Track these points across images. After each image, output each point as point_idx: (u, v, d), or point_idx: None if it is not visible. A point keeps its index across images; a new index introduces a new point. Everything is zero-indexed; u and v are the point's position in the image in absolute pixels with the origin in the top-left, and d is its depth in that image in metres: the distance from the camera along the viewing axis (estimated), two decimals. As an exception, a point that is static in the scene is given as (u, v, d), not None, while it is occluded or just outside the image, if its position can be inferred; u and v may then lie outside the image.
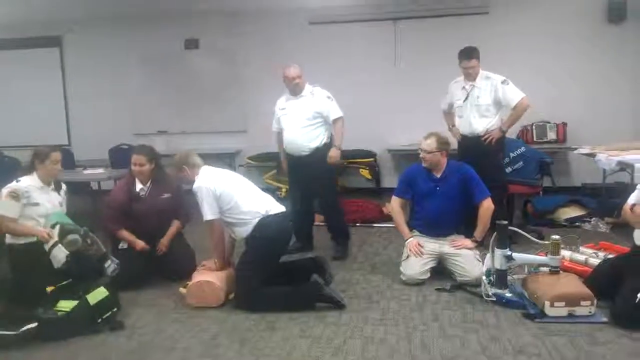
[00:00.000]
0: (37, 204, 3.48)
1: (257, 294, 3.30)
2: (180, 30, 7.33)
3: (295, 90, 4.29)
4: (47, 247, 3.31)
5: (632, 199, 3.20)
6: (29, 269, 3.39)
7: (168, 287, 3.69)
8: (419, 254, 3.71)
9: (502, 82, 4.40)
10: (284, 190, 6.84)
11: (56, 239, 3.34)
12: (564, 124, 6.41)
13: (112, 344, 2.95)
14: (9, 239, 3.50)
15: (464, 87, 4.53)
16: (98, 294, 3.17)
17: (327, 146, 4.34)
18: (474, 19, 6.58)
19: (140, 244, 3.81)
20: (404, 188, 3.95)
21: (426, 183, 3.84)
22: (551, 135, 6.39)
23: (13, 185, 3.46)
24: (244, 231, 3.39)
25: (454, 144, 4.40)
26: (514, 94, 4.38)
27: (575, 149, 5.60)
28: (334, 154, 4.30)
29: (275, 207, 3.48)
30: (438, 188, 3.81)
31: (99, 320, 3.11)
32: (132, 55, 7.47)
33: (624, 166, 4.55)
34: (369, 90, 6.79)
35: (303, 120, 4.27)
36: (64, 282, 3.21)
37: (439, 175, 3.83)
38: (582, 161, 5.87)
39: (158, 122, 7.50)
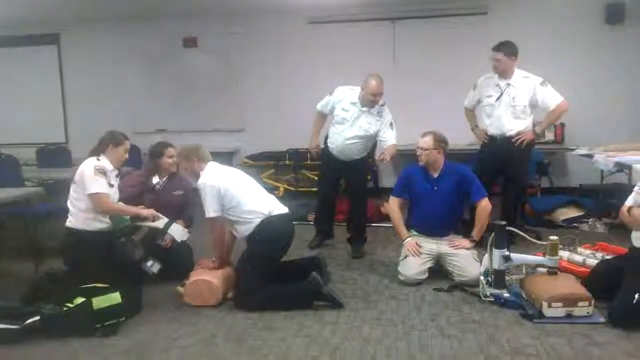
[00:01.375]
0: (112, 186, 3.46)
1: (255, 293, 3.29)
2: (178, 28, 7.32)
3: (368, 104, 4.17)
4: (155, 225, 3.56)
5: (629, 201, 3.18)
6: (92, 259, 3.33)
7: (165, 286, 3.66)
8: (417, 254, 3.71)
9: (541, 84, 4.23)
10: (281, 189, 6.85)
11: (165, 219, 3.57)
12: (562, 125, 6.39)
13: (111, 343, 2.94)
14: (78, 224, 3.39)
15: (497, 85, 4.30)
16: (108, 300, 3.05)
17: (370, 154, 4.54)
18: (473, 19, 6.57)
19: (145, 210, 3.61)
20: (402, 188, 3.94)
21: (423, 183, 3.84)
22: (549, 135, 6.37)
23: (95, 161, 3.39)
24: (246, 230, 3.38)
25: (471, 143, 4.32)
26: (552, 97, 4.24)
27: (573, 149, 5.61)
28: (388, 155, 4.22)
29: (279, 208, 3.48)
30: (435, 188, 3.81)
31: (98, 326, 3.01)
32: (130, 53, 7.46)
33: (622, 167, 4.54)
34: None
35: (358, 135, 4.24)
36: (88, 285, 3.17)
37: (436, 175, 3.83)
38: (580, 162, 5.86)
39: (156, 120, 7.49)
